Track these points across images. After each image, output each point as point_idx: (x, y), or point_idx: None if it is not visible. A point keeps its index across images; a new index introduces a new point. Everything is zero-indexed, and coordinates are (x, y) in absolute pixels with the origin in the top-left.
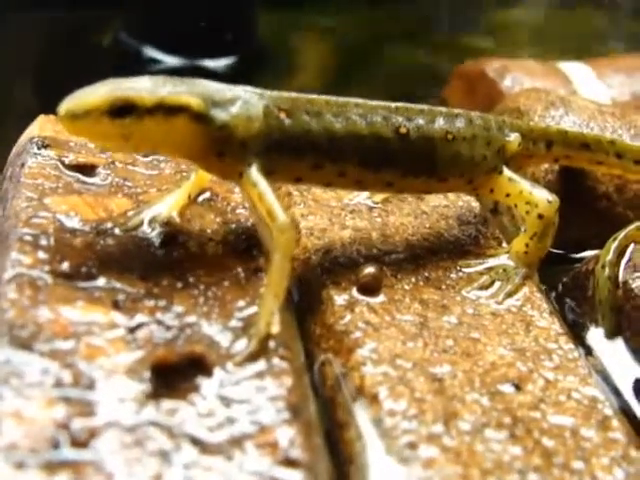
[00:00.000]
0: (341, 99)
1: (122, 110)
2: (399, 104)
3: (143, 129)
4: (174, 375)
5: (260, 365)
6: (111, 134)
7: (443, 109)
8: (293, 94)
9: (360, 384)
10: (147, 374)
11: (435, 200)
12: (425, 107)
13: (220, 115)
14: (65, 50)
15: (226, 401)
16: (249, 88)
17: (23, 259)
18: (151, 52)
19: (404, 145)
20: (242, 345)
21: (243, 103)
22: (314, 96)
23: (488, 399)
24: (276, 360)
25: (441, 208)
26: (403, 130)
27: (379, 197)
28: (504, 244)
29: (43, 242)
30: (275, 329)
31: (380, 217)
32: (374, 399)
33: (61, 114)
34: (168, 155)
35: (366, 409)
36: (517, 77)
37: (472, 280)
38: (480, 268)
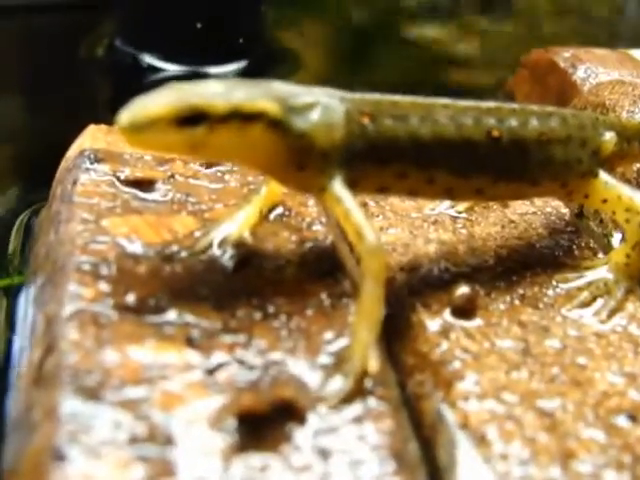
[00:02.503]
0: (427, 100)
1: (192, 119)
2: (490, 104)
3: (215, 139)
4: (262, 423)
5: (357, 408)
6: (179, 145)
7: (535, 108)
8: (375, 96)
9: (464, 422)
10: (232, 424)
11: (522, 207)
12: (516, 106)
13: (298, 123)
14: (54, 60)
15: (322, 452)
16: (328, 90)
17: (83, 292)
18: (150, 60)
19: (496, 149)
20: (335, 385)
21: (323, 108)
22: (398, 97)
23: (604, 434)
24: (373, 401)
25: (529, 216)
26: (495, 133)
27: (462, 206)
28: (600, 254)
29: (104, 271)
30: (373, 366)
31: (465, 228)
32: (482, 440)
33: (122, 125)
34: (241, 165)
35: (473, 451)
36: (591, 67)
37: (571, 297)
38: (579, 283)
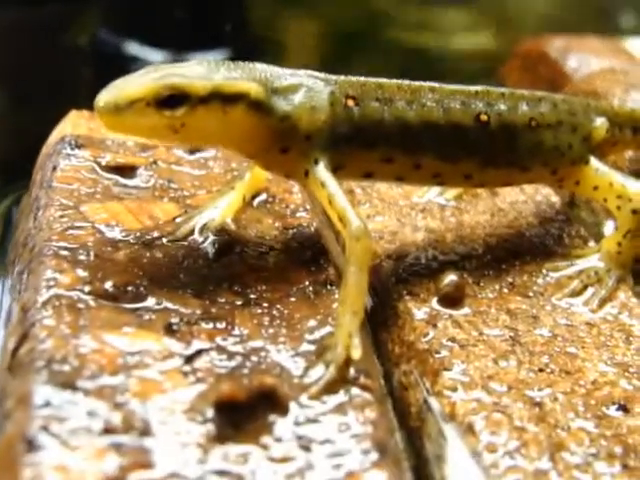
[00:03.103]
0: (414, 83)
1: (172, 100)
2: (478, 88)
3: (196, 121)
4: (242, 412)
5: (339, 397)
6: (158, 127)
7: (525, 92)
8: (361, 78)
9: (451, 412)
10: (210, 413)
11: (511, 195)
12: (506, 90)
13: (281, 104)
14: (37, 49)
15: (304, 442)
16: (312, 72)
17: (60, 278)
18: (135, 49)
19: (485, 133)
20: (317, 373)
21: (307, 90)
22: (384, 80)
23: (594, 425)
24: (357, 390)
25: (519, 204)
26: (484, 117)
27: (451, 193)
28: (591, 243)
29: (82, 257)
30: (356, 354)
31: (454, 216)
32: (469, 430)
33: (99, 107)
34: (223, 148)
35: (460, 442)
36: (582, 57)
37: (561, 285)
38: (569, 272)
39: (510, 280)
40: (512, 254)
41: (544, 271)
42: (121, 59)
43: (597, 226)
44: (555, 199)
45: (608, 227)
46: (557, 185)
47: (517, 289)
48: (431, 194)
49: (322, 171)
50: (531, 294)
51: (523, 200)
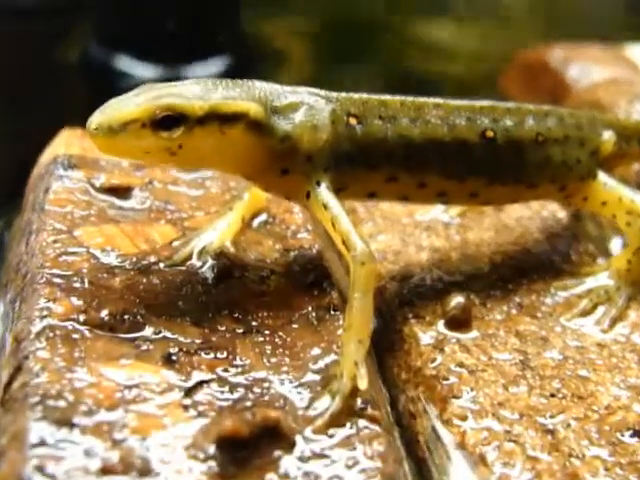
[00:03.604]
0: (418, 99)
1: (168, 121)
2: (483, 103)
3: (193, 142)
4: (244, 448)
5: (346, 430)
6: (154, 150)
7: (531, 107)
8: (363, 95)
9: (461, 442)
10: (213, 449)
11: (517, 211)
12: (511, 105)
13: (281, 124)
14: (26, 67)
15: (311, 479)
16: (313, 90)
17: (54, 307)
18: (127, 63)
19: (491, 150)
20: (323, 405)
21: (308, 109)
22: (387, 97)
23: (609, 453)
24: (364, 422)
25: (525, 220)
26: (490, 133)
27: (455, 210)
28: (600, 260)
29: (76, 285)
30: (363, 384)
31: (458, 233)
32: (481, 461)
33: (92, 129)
34: (221, 171)
35: (472, 473)
36: (583, 67)
37: (571, 305)
38: (578, 290)
39: (518, 300)
40: (519, 272)
41: (552, 290)
42: (113, 73)
43: (604, 241)
44: (562, 215)
45: (615, 242)
46: (565, 202)
47: (525, 310)
48: (435, 211)
49: (324, 192)
50: (540, 315)
51: (529, 216)
